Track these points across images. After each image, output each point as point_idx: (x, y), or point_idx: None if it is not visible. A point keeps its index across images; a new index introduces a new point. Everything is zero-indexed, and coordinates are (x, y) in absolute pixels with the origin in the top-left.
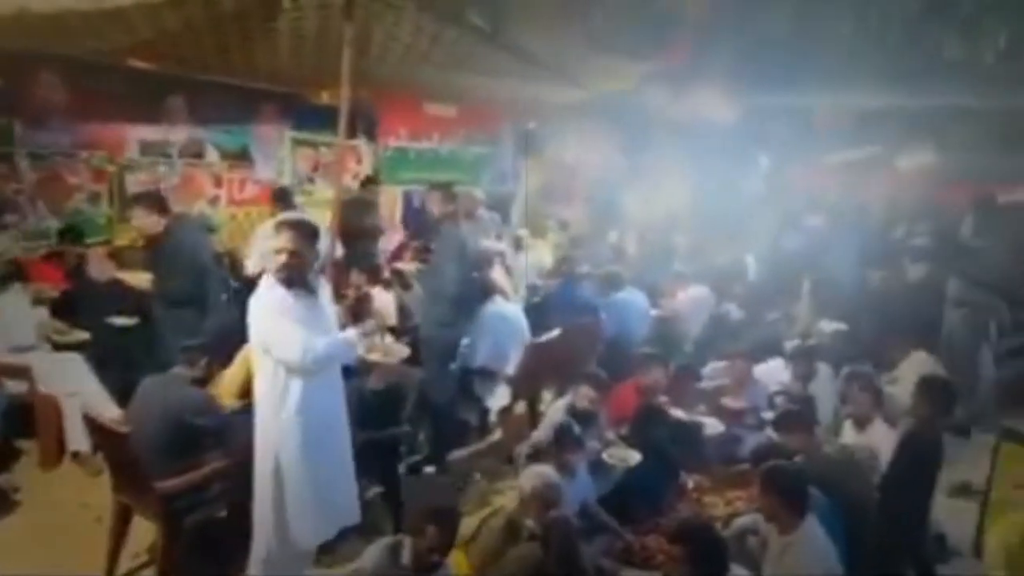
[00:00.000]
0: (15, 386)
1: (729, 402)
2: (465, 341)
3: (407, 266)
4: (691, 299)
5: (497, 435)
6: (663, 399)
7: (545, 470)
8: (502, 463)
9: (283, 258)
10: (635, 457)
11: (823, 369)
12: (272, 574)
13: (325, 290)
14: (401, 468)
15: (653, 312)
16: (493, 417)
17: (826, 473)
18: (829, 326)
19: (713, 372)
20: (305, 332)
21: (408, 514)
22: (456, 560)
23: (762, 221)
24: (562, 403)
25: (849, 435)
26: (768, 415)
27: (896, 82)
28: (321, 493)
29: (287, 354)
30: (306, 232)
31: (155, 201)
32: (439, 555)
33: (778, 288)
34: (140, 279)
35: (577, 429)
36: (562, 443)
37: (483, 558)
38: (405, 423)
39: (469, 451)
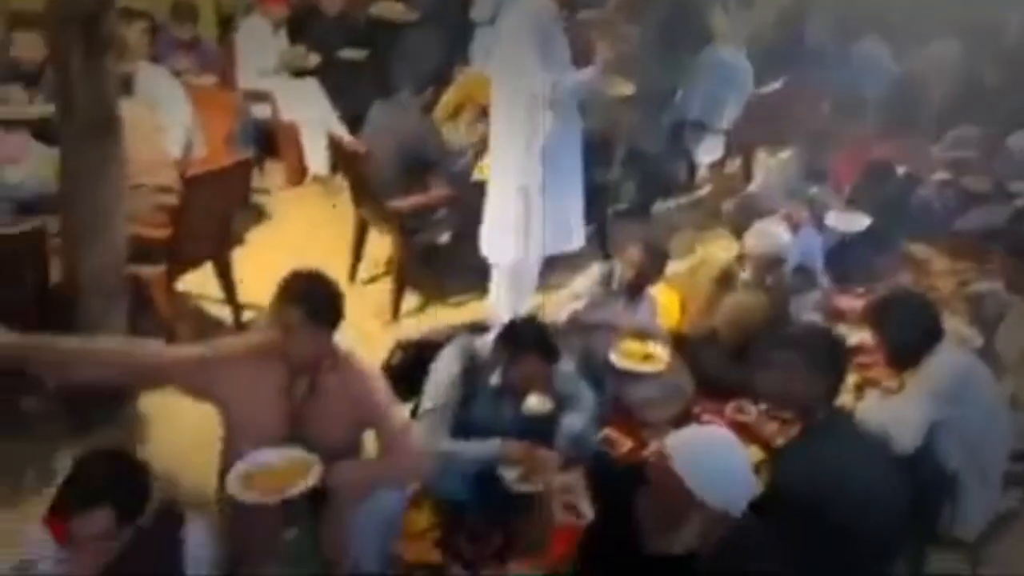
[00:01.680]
0: (260, 110)
1: (971, 183)
2: (679, 92)
3: None
4: (936, 56)
5: (705, 190)
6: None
7: (774, 232)
8: (708, 217)
9: None
10: (861, 222)
11: None
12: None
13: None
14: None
15: (893, 70)
16: (703, 172)
17: None
18: None
19: (956, 140)
20: (547, 64)
21: (615, 245)
22: (667, 297)
23: None
24: (785, 156)
25: None
26: (1019, 186)
27: None
28: (559, 215)
29: (537, 84)
30: None
31: None
32: (646, 280)
33: None
34: (386, 8)
35: (814, 190)
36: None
37: (694, 300)
38: (614, 168)
39: (675, 203)
